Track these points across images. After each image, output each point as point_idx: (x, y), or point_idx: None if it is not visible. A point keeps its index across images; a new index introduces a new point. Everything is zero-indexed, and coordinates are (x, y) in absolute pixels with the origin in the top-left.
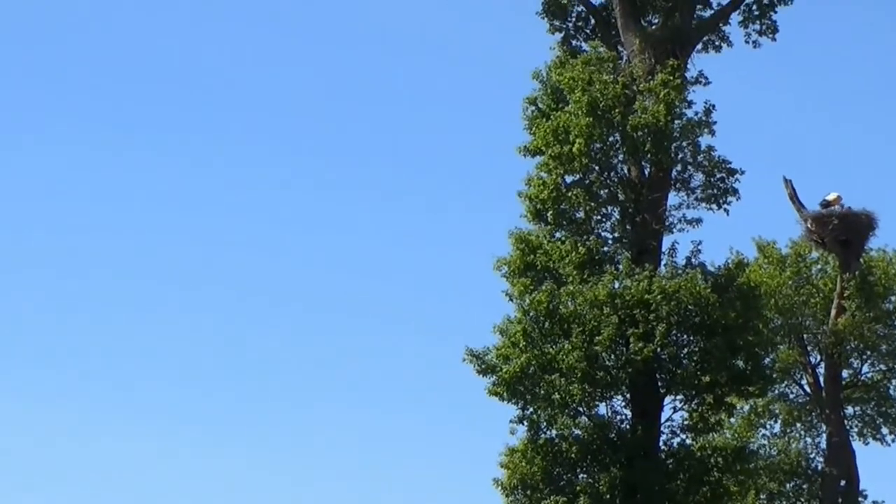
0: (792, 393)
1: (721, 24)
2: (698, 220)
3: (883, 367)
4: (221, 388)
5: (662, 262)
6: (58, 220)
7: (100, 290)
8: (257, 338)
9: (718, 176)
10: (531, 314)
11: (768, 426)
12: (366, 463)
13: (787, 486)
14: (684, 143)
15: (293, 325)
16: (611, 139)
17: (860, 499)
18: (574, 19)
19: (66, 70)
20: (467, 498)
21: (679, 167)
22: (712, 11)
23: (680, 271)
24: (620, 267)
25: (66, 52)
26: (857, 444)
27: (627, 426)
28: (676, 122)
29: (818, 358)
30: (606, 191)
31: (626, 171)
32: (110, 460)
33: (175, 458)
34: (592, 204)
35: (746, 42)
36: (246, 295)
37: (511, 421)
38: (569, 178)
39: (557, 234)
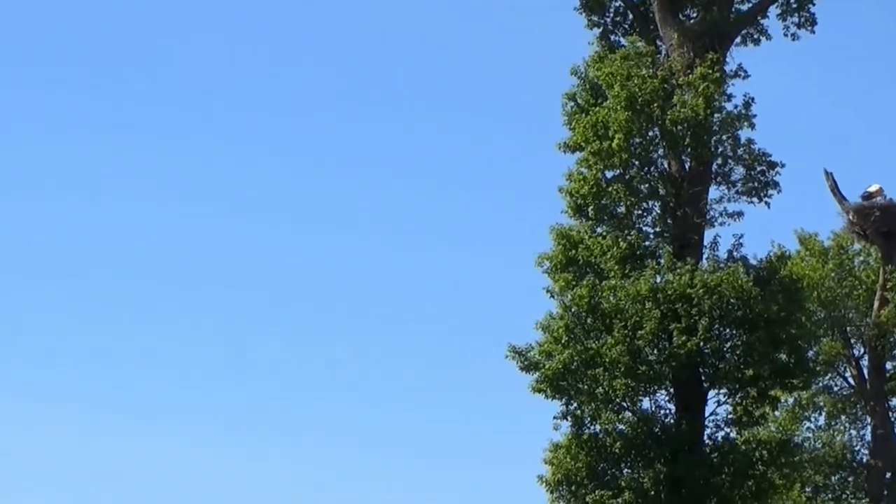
0: (836, 385)
1: (759, 17)
2: (739, 214)
3: None
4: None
5: (704, 256)
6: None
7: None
8: (298, 340)
9: (759, 169)
10: (573, 310)
11: (813, 419)
12: (409, 463)
13: (833, 478)
14: (724, 137)
15: (332, 324)
16: (650, 134)
17: None
18: (612, 14)
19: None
20: (512, 495)
21: (719, 161)
22: (750, 4)
23: (722, 265)
24: (662, 261)
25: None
26: None
27: (671, 421)
28: (716, 115)
29: (861, 350)
30: (647, 185)
31: (666, 165)
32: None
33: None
34: (633, 199)
35: (785, 35)
36: (289, 297)
37: (555, 417)
38: (609, 174)
39: (599, 229)
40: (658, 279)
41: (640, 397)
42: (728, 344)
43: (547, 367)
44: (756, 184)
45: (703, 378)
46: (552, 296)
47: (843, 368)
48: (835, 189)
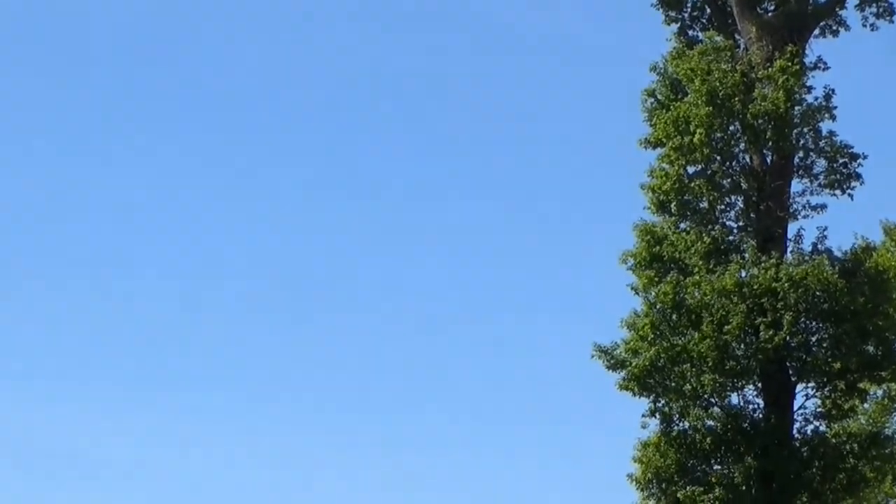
0: None
1: (837, 9)
2: (823, 206)
3: None
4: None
5: (788, 250)
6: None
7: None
8: (378, 339)
9: (841, 161)
10: (658, 306)
11: None
12: (496, 463)
13: None
14: (805, 130)
15: (417, 325)
16: (731, 128)
17: None
18: (690, 10)
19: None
20: (602, 495)
21: (801, 154)
22: None
23: (807, 258)
24: (746, 256)
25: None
26: None
27: (760, 415)
28: (797, 108)
29: None
30: (729, 180)
31: (747, 159)
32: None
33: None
34: (716, 194)
35: (864, 25)
36: (370, 297)
37: (643, 415)
38: (691, 169)
39: (682, 225)
40: (743, 274)
41: (728, 393)
42: (815, 337)
43: (633, 364)
44: (839, 176)
45: (790, 372)
46: (636, 293)
47: None
48: None
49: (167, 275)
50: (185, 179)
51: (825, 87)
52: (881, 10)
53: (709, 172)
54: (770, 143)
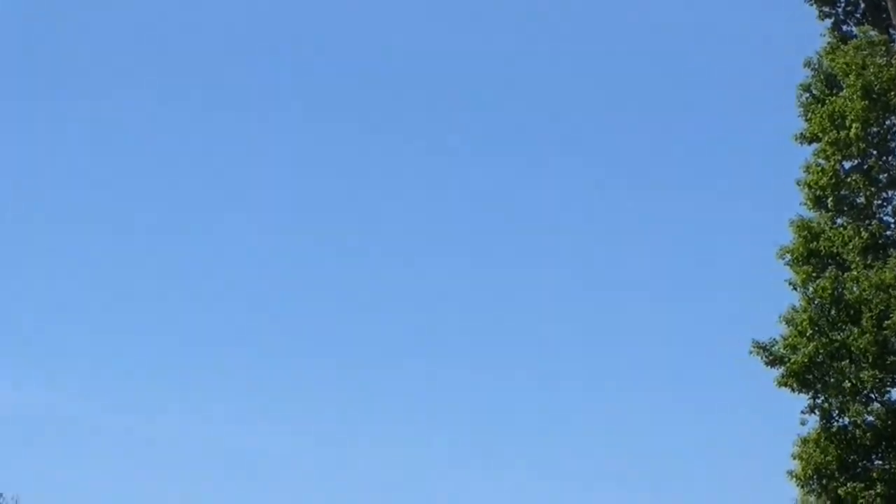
0: None
1: None
2: None
3: None
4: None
5: None
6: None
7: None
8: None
9: None
10: (816, 302)
11: None
12: (654, 459)
13: None
14: None
15: (579, 323)
16: (887, 122)
17: None
18: (843, 5)
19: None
20: (761, 491)
21: None
22: None
23: None
24: None
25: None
26: None
27: None
28: None
29: None
30: (886, 175)
31: None
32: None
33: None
34: (872, 189)
35: None
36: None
37: (802, 412)
38: (847, 164)
39: (839, 221)
40: None
41: (888, 388)
42: None
43: (792, 360)
44: None
45: None
46: (795, 288)
47: None
48: None
49: (315, 282)
50: None
51: None
52: None
53: (865, 167)
54: None
